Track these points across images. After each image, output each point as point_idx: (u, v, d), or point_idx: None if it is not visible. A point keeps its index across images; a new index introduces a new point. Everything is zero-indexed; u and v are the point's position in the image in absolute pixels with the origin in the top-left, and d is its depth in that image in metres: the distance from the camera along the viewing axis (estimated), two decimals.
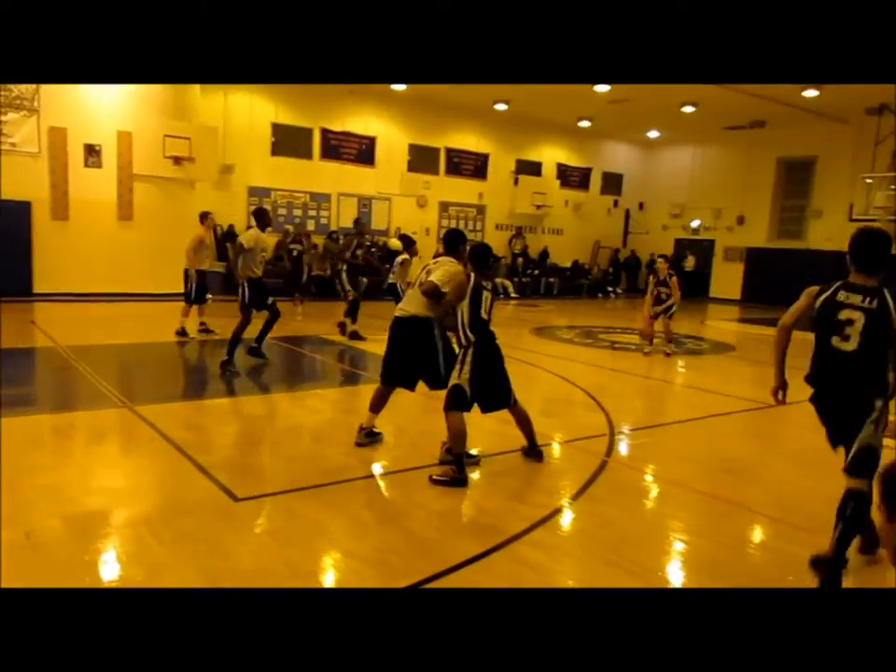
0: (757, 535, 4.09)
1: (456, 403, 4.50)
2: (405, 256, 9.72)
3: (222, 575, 3.15)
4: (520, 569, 3.37)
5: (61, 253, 12.98)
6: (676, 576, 3.49)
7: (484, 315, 4.63)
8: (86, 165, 13.30)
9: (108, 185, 13.52)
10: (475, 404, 4.63)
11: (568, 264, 21.61)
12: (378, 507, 4.25)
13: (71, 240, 13.11)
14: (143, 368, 8.29)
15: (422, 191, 18.93)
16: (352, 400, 6.98)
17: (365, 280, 10.65)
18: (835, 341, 3.26)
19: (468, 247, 4.90)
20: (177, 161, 13.86)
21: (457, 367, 4.57)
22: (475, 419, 4.78)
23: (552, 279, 20.72)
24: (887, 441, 3.33)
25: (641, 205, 23.61)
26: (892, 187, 16.34)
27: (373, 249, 16.91)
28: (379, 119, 17.94)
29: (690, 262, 21.32)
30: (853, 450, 3.24)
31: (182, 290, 9.83)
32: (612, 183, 23.20)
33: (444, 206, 19.55)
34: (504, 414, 4.88)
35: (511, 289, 19.08)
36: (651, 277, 10.62)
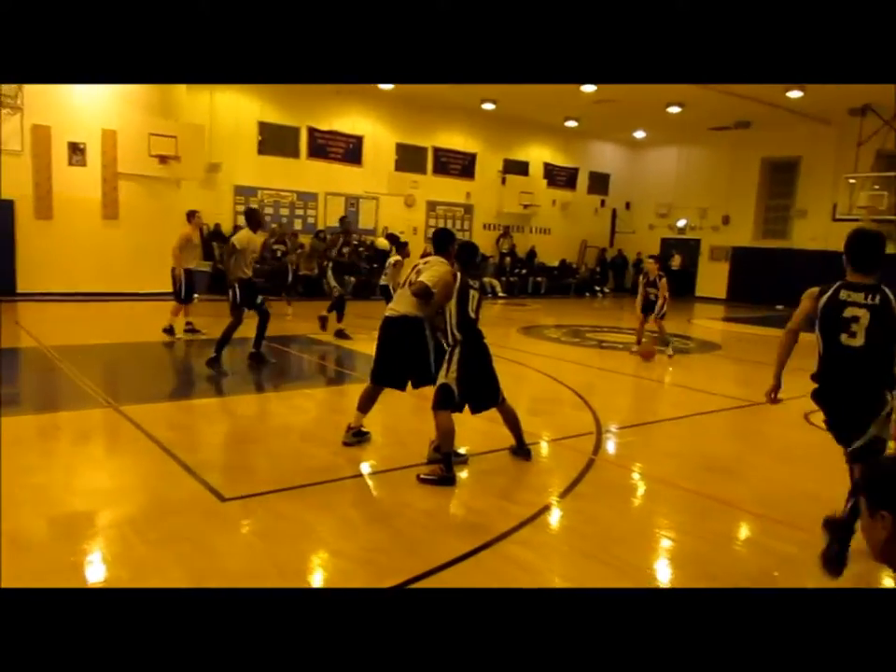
0: (742, 531, 4.13)
1: (444, 402, 4.50)
2: (398, 257, 9.52)
3: (209, 575, 3.14)
4: (508, 567, 3.39)
5: (45, 252, 12.84)
6: (662, 572, 3.52)
7: (472, 315, 4.64)
8: (70, 164, 13.17)
9: (93, 183, 13.39)
10: (465, 406, 4.64)
11: (556, 263, 21.66)
12: (366, 506, 4.25)
13: (55, 239, 12.97)
14: (128, 368, 8.23)
15: (409, 191, 18.90)
16: (339, 400, 6.97)
17: (353, 279, 10.61)
18: (844, 338, 3.33)
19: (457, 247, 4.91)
20: (163, 159, 13.72)
21: (445, 366, 4.57)
22: (463, 418, 4.78)
23: (539, 278, 20.77)
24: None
25: (628, 205, 23.72)
26: (875, 187, 16.54)
27: (360, 249, 16.89)
28: (366, 118, 17.89)
29: (676, 261, 21.43)
30: (862, 440, 3.31)
31: (171, 290, 9.73)
32: (599, 183, 23.28)
33: (432, 206, 19.54)
34: (492, 413, 4.89)
35: (498, 289, 19.10)
36: (640, 278, 10.55)
